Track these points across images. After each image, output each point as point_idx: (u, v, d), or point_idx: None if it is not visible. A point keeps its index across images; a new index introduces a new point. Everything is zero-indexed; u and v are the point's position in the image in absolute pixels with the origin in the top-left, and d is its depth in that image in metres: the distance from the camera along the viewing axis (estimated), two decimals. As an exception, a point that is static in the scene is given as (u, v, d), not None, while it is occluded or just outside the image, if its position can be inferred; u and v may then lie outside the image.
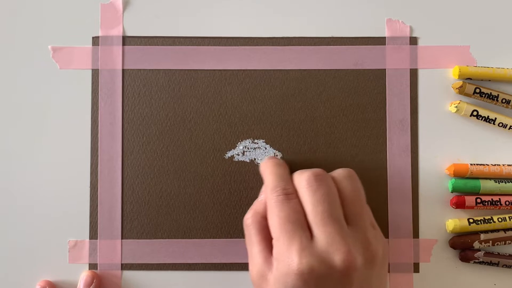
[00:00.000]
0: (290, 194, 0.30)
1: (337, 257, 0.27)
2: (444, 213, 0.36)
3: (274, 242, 0.29)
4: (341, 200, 0.30)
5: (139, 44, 0.36)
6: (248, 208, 0.32)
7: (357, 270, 0.28)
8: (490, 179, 0.35)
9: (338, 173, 0.31)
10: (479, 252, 0.35)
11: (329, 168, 0.32)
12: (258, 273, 0.29)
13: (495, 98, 0.35)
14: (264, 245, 0.30)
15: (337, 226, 0.28)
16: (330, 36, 0.36)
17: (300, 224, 0.28)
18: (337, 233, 0.28)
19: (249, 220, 0.31)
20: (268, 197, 0.30)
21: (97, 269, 0.35)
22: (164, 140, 0.36)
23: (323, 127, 0.36)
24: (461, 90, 0.35)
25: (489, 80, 0.36)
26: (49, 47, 0.36)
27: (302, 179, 0.30)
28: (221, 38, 0.36)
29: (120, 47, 0.36)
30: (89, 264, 0.35)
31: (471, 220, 0.35)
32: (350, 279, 0.28)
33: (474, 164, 0.35)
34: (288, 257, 0.28)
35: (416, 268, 0.36)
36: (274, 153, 0.36)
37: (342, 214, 0.29)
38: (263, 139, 0.36)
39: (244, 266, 0.35)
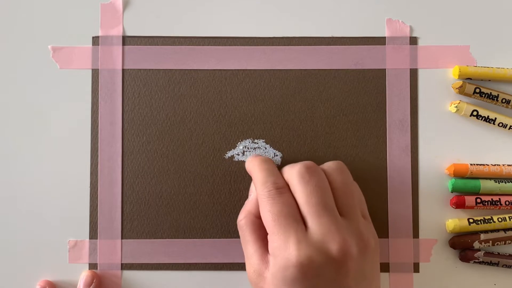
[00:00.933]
0: (281, 188, 0.30)
1: (334, 247, 0.28)
2: (444, 213, 0.36)
3: (269, 237, 0.29)
4: (332, 191, 0.30)
5: (139, 44, 0.36)
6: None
7: (353, 259, 0.28)
8: (490, 179, 0.35)
9: (328, 165, 0.31)
10: (479, 252, 0.35)
11: (329, 168, 0.32)
12: (255, 272, 0.29)
13: (495, 98, 0.35)
14: (259, 244, 0.30)
15: (331, 216, 0.29)
16: (330, 36, 0.36)
17: (294, 217, 0.29)
18: (332, 223, 0.28)
19: (242, 221, 0.31)
20: (259, 193, 0.30)
21: (97, 269, 0.35)
22: (164, 140, 0.36)
23: (323, 127, 0.36)
24: (461, 90, 0.35)
25: (489, 80, 0.36)
26: (49, 47, 0.36)
27: (294, 172, 0.30)
28: (221, 38, 0.36)
29: (120, 47, 0.36)
30: (89, 264, 0.35)
31: (471, 220, 0.35)
32: (347, 269, 0.28)
33: (474, 164, 0.35)
34: (285, 250, 0.28)
35: (416, 268, 0.36)
36: (274, 153, 0.36)
37: (335, 205, 0.30)
38: (263, 139, 0.36)
39: (244, 266, 0.35)
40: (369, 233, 0.30)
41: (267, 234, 0.30)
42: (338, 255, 0.28)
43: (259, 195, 0.30)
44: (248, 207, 0.32)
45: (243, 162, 0.36)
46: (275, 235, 0.28)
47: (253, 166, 0.32)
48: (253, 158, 0.33)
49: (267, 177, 0.30)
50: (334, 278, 0.28)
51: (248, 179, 0.36)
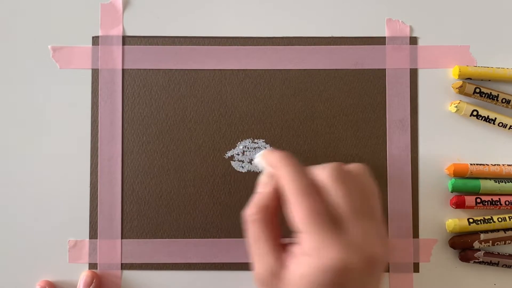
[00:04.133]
0: (317, 186, 0.28)
1: (375, 251, 0.27)
2: (444, 213, 0.36)
3: (303, 235, 0.27)
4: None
5: (139, 44, 0.36)
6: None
7: (382, 262, 0.28)
8: (490, 179, 0.35)
9: (354, 167, 0.30)
10: (479, 252, 0.35)
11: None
12: (270, 273, 0.28)
13: (495, 98, 0.35)
14: (275, 242, 0.28)
15: (367, 219, 0.28)
16: (330, 36, 0.36)
17: (331, 217, 0.27)
18: (371, 226, 0.28)
19: (256, 216, 0.29)
20: (292, 189, 0.28)
21: (97, 269, 0.35)
22: (164, 140, 0.36)
23: (323, 127, 0.36)
24: (461, 90, 0.35)
25: (489, 80, 0.36)
26: (49, 47, 0.36)
27: (330, 172, 0.29)
28: (221, 38, 0.36)
29: (120, 47, 0.36)
30: (89, 264, 0.35)
31: (471, 220, 0.35)
32: (376, 270, 0.28)
33: (474, 164, 0.35)
34: (325, 252, 0.26)
35: (416, 268, 0.36)
36: (274, 153, 0.36)
37: None
38: (263, 139, 0.36)
39: (244, 266, 0.35)
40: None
41: (279, 232, 0.29)
42: (376, 259, 0.27)
43: (292, 189, 0.28)
44: (261, 201, 0.29)
45: (243, 162, 0.36)
46: (314, 234, 0.27)
47: (281, 161, 0.29)
48: (271, 152, 0.31)
49: (301, 173, 0.28)
50: (367, 281, 0.27)
51: (248, 179, 0.36)
